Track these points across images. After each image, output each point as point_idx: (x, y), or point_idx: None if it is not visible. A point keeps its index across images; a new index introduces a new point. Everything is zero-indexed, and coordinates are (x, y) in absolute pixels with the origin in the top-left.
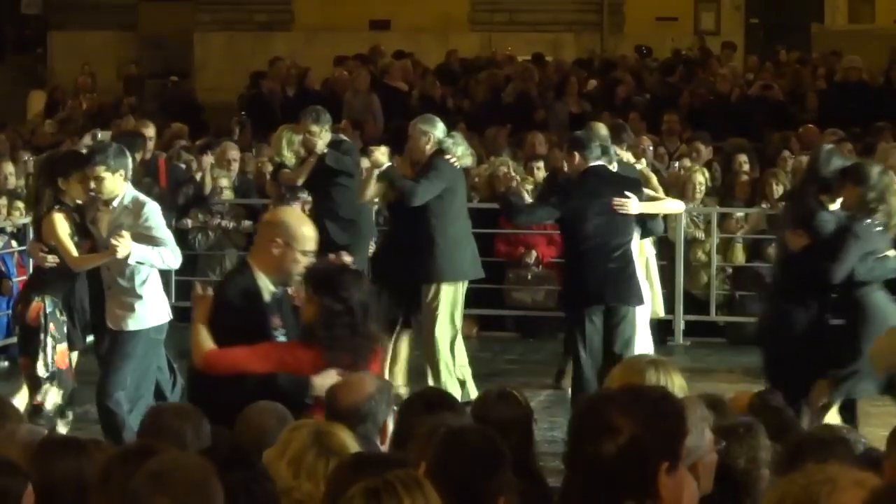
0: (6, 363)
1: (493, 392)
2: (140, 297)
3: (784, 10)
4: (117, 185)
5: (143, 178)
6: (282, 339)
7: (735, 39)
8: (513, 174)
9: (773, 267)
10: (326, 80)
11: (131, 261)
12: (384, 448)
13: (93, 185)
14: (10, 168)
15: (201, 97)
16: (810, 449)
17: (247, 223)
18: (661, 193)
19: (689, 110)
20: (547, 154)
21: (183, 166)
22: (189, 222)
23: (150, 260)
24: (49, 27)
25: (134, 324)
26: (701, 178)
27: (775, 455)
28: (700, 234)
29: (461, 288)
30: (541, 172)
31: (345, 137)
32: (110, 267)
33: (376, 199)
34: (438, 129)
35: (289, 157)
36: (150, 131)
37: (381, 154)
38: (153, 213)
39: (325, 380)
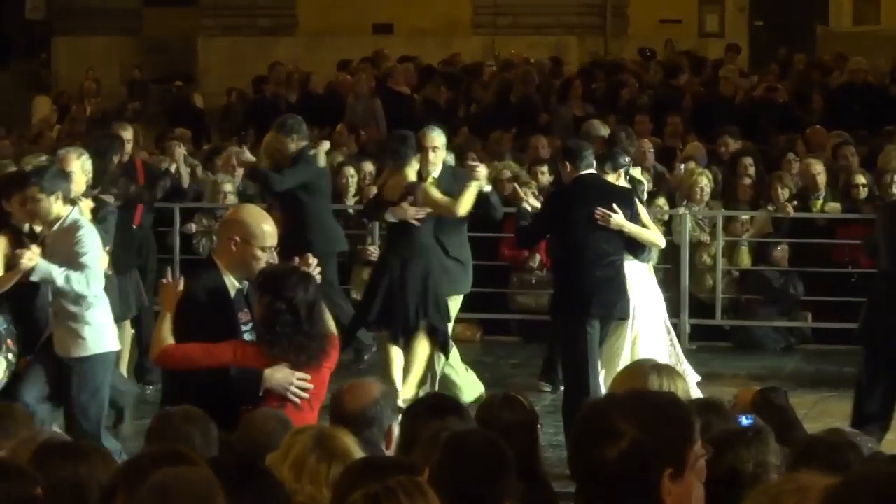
0: None
1: (498, 396)
2: (88, 323)
3: (789, 12)
4: (54, 208)
5: (119, 177)
6: (249, 334)
7: (739, 41)
8: (521, 194)
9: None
10: (329, 84)
11: (35, 277)
12: (389, 453)
13: (29, 206)
14: None
15: (205, 102)
16: (818, 452)
17: None
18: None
19: (693, 112)
20: (551, 157)
21: (165, 166)
22: (193, 227)
23: (54, 278)
24: (53, 32)
25: (82, 350)
26: (705, 181)
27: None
28: (705, 238)
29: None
30: (545, 176)
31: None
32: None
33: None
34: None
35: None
36: (127, 134)
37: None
38: (87, 237)
39: (277, 373)
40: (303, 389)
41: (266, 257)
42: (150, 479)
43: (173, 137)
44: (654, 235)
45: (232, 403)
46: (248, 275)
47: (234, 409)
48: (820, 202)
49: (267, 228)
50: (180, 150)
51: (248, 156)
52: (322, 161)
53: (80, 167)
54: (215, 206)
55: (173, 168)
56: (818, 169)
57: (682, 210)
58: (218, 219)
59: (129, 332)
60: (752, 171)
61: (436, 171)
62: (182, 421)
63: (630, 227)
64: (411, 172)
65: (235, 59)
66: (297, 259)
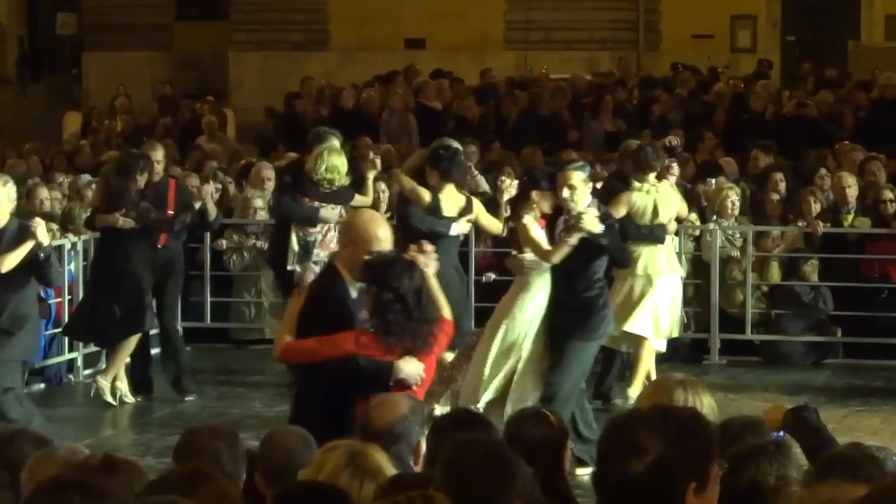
0: (42, 385)
1: (527, 412)
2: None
3: (820, 28)
4: None
5: (140, 202)
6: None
7: (771, 57)
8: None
9: None
10: (358, 100)
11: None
12: (418, 468)
13: None
14: (44, 192)
15: (237, 117)
16: (840, 467)
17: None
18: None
19: (724, 128)
20: None
21: (194, 191)
22: (224, 243)
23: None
24: (84, 48)
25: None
26: (734, 196)
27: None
28: (735, 253)
29: None
30: None
31: None
32: None
33: None
34: None
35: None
36: (157, 154)
37: None
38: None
39: (407, 365)
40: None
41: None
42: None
43: (206, 156)
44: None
45: (359, 392)
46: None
47: (360, 398)
48: (850, 217)
49: (379, 233)
50: (208, 188)
51: None
52: None
53: (6, 195)
54: (245, 223)
55: (198, 205)
56: (849, 182)
57: (712, 225)
58: (248, 235)
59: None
60: (781, 186)
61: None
62: (210, 437)
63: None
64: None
65: (267, 74)
66: (411, 246)
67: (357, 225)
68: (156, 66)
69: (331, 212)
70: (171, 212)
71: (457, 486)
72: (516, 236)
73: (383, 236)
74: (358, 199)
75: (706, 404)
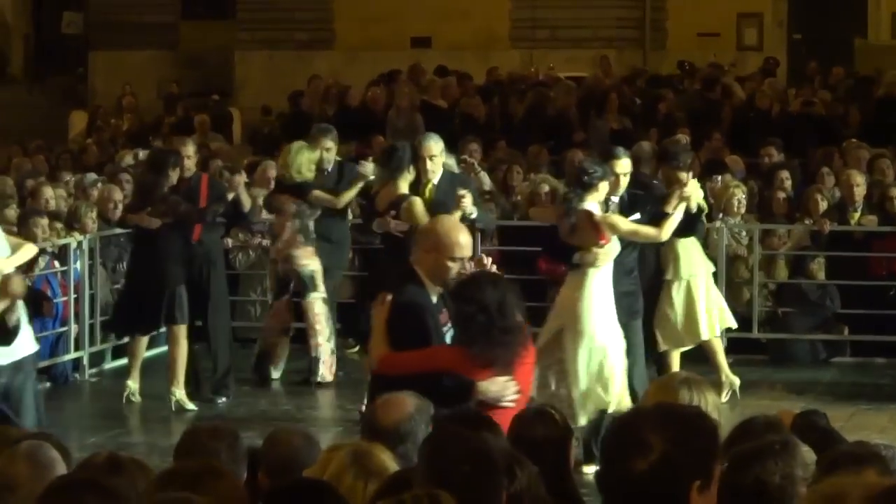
0: (49, 383)
1: (532, 410)
2: None
3: (827, 26)
4: None
5: (171, 195)
6: (450, 334)
7: (778, 55)
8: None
9: None
10: (364, 98)
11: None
12: None
13: None
14: (49, 192)
15: (242, 116)
16: (844, 464)
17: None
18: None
19: (730, 126)
20: None
21: (226, 184)
22: (230, 242)
23: None
24: (90, 47)
25: None
26: (741, 195)
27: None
28: (742, 251)
29: None
30: None
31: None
32: None
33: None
34: None
35: (307, 175)
36: (188, 150)
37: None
38: None
39: (492, 386)
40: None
41: (457, 267)
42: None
43: (212, 155)
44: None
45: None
46: (443, 283)
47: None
48: (857, 215)
49: (460, 239)
50: (240, 178)
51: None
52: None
53: None
54: (251, 221)
55: (230, 196)
56: (857, 181)
57: (718, 223)
58: (254, 234)
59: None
60: (787, 184)
61: (435, 179)
62: (209, 437)
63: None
64: (404, 184)
65: (272, 73)
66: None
67: (439, 231)
68: (161, 65)
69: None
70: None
71: (438, 483)
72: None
73: (465, 242)
74: (319, 196)
75: (711, 403)
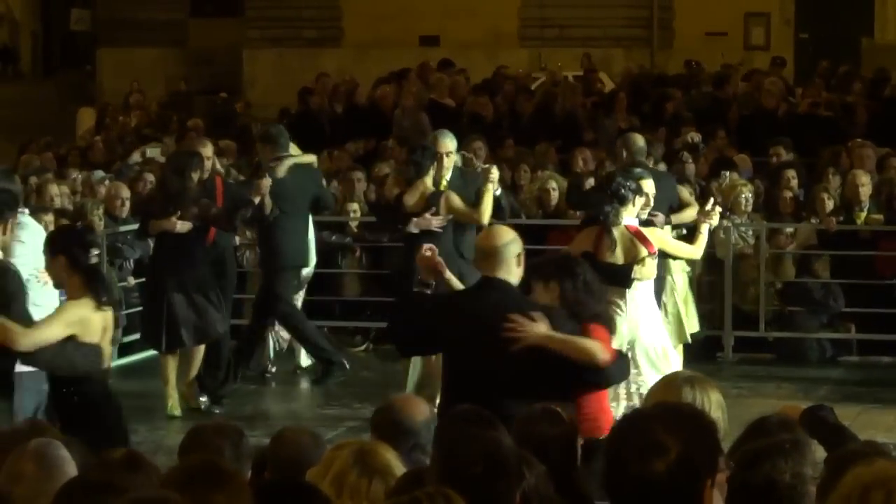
0: None
1: (537, 409)
2: None
3: (834, 25)
4: None
5: (202, 198)
6: None
7: (785, 54)
8: None
9: None
10: (371, 96)
11: None
12: None
13: None
14: (55, 189)
15: (254, 113)
16: (853, 463)
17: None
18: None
19: (738, 125)
20: (596, 170)
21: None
22: (237, 240)
23: None
24: (98, 44)
25: None
26: (748, 193)
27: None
28: (749, 250)
29: None
30: None
31: None
32: None
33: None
34: None
35: None
36: (206, 150)
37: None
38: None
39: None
40: None
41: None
42: (122, 501)
43: (217, 153)
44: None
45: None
46: None
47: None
48: (864, 214)
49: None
50: (267, 182)
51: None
52: (280, 173)
53: None
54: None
55: (257, 200)
56: (863, 181)
57: (726, 222)
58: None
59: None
60: (794, 183)
61: (448, 175)
62: (213, 434)
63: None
64: (429, 181)
65: (281, 70)
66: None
67: (515, 239)
68: (170, 63)
69: None
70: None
71: (451, 481)
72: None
73: None
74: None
75: (714, 401)
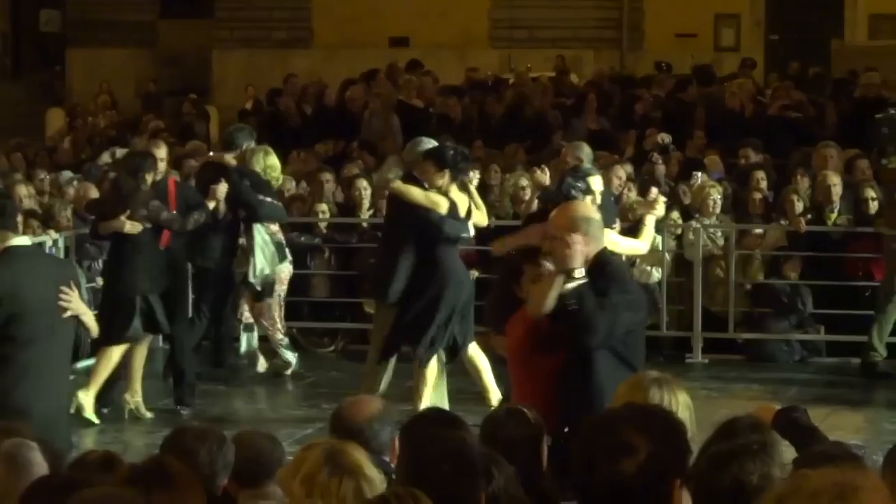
0: None
1: (503, 410)
2: None
3: (804, 27)
4: None
5: (153, 200)
6: None
7: (755, 56)
8: None
9: None
10: (341, 98)
11: None
12: (394, 465)
13: None
14: (23, 191)
15: (220, 115)
16: (820, 465)
17: None
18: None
19: (706, 126)
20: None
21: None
22: None
23: None
24: (67, 44)
25: None
26: (716, 195)
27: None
28: (718, 251)
29: None
30: None
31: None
32: None
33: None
34: None
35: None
36: (160, 152)
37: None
38: None
39: None
40: None
41: None
42: (76, 497)
43: (184, 154)
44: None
45: None
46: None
47: None
48: (834, 215)
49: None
50: (223, 187)
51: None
52: None
53: None
54: None
55: (212, 205)
56: (835, 181)
57: (694, 223)
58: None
59: (141, 356)
60: (763, 184)
61: None
62: (193, 438)
63: None
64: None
65: (250, 71)
66: None
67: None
68: (140, 64)
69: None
70: (173, 212)
71: (417, 483)
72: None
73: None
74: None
75: (682, 402)
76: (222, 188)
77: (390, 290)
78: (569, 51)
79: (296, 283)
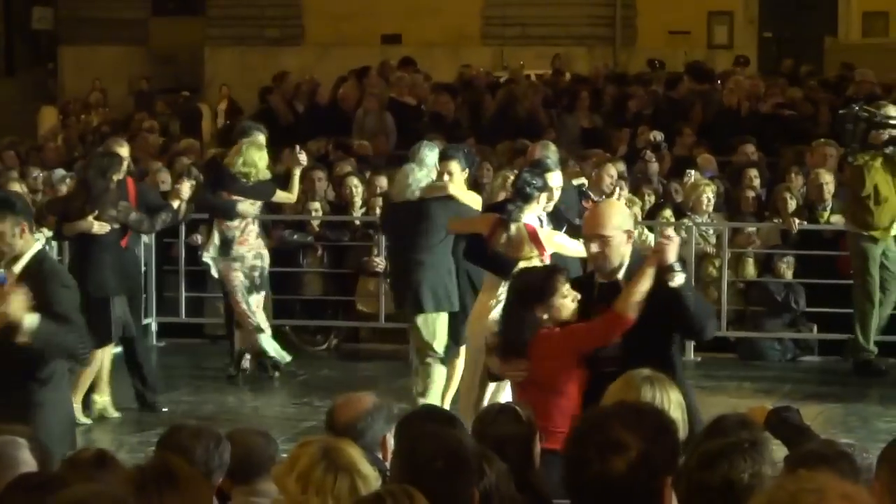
0: None
1: (496, 408)
2: None
3: (798, 24)
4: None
5: (121, 200)
6: None
7: (748, 53)
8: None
9: None
10: (334, 95)
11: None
12: (387, 463)
13: None
14: (17, 189)
15: (213, 112)
16: (812, 464)
17: None
18: None
19: (701, 124)
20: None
21: (161, 186)
22: (199, 238)
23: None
24: (60, 42)
25: None
26: (710, 193)
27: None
28: (710, 249)
29: None
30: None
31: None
32: None
33: None
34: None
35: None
36: (124, 151)
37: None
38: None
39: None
40: None
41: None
42: (65, 494)
43: (178, 152)
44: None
45: None
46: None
47: None
48: (827, 213)
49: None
50: (186, 186)
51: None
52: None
53: None
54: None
55: (176, 205)
56: (826, 179)
57: (687, 222)
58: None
59: (108, 356)
60: (756, 182)
61: None
62: (189, 436)
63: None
64: None
65: (243, 69)
66: None
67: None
68: (132, 61)
69: (249, 207)
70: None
71: (411, 479)
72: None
73: None
74: (280, 195)
75: (674, 401)
76: (186, 187)
77: (452, 298)
78: (561, 48)
79: (288, 281)
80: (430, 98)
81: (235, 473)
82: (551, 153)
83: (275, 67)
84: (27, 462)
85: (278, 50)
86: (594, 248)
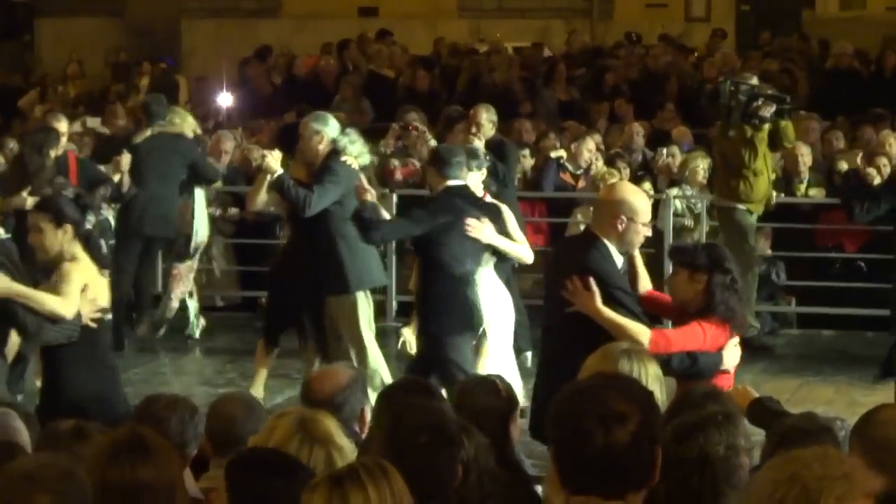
0: None
1: (475, 379)
2: None
3: None
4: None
5: (56, 176)
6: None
7: (726, 26)
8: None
9: None
10: (314, 68)
11: None
12: (363, 435)
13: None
14: None
15: (191, 85)
16: (794, 438)
17: (233, 210)
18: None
19: (678, 97)
20: (535, 142)
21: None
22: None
23: None
24: (36, 14)
25: None
26: (704, 164)
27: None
28: (689, 223)
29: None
30: (528, 160)
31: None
32: None
33: (272, 207)
34: (331, 127)
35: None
36: (62, 126)
37: (274, 160)
38: None
39: (730, 356)
40: None
41: (646, 232)
42: (9, 469)
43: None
44: (522, 250)
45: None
46: (630, 248)
47: None
48: (804, 186)
49: (646, 205)
50: (126, 158)
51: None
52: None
53: None
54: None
55: (117, 178)
56: (803, 151)
57: (672, 192)
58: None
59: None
60: None
61: None
62: (163, 407)
63: (498, 241)
64: None
65: (220, 41)
66: None
67: (630, 199)
68: (109, 33)
69: None
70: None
71: (394, 453)
72: None
73: (649, 207)
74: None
75: (652, 374)
76: (126, 159)
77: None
78: (538, 21)
79: (264, 253)
80: (406, 72)
81: (219, 441)
82: (491, 119)
83: (252, 39)
84: (23, 432)
85: (255, 22)
86: (648, 231)
